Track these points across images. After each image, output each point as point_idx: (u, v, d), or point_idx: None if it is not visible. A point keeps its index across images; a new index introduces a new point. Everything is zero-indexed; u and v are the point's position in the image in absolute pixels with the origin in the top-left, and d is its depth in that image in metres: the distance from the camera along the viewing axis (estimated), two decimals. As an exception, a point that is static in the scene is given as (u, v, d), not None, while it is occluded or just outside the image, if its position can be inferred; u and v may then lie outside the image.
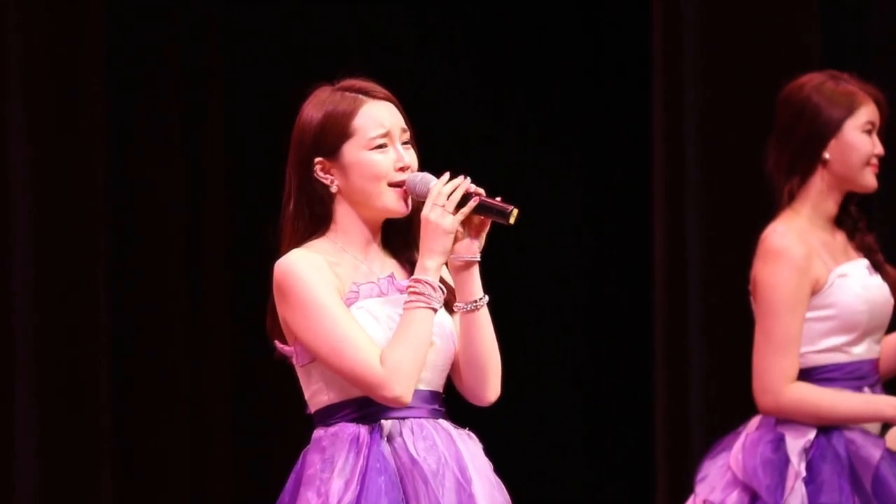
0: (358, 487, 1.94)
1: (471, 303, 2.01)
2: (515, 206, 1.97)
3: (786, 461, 2.44)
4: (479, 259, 2.01)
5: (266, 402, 4.52)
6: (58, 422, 4.03)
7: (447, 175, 1.99)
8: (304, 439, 2.05)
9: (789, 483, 2.42)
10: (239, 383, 4.52)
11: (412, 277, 1.98)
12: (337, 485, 1.94)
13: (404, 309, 1.97)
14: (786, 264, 2.47)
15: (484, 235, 2.02)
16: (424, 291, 1.96)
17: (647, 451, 4.23)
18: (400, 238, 2.10)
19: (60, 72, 4.06)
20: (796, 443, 2.45)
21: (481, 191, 1.98)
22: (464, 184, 1.98)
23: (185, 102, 4.44)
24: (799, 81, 2.57)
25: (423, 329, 1.96)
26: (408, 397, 1.96)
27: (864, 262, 2.57)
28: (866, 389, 2.49)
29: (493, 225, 2.00)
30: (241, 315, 4.26)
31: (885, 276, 2.57)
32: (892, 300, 2.55)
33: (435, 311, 1.97)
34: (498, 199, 1.99)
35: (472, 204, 1.97)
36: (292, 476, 2.02)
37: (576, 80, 5.11)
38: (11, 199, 3.97)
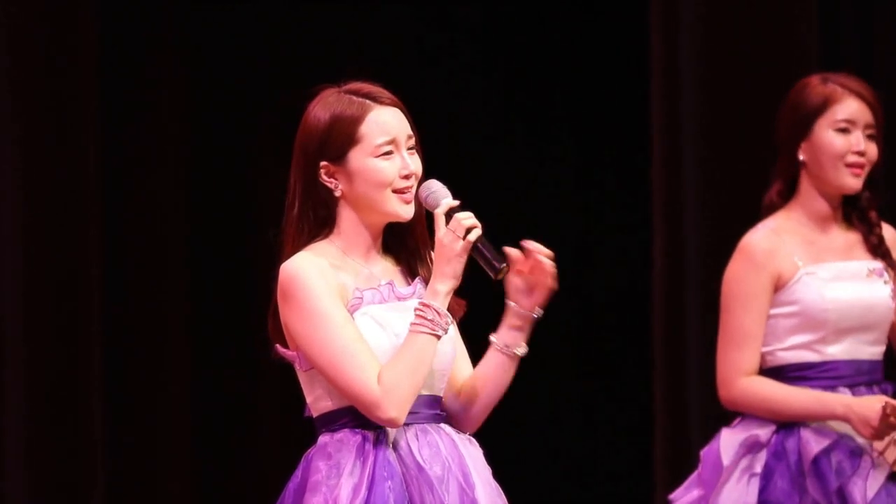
0: (366, 493, 1.94)
1: (508, 347, 2.03)
2: (507, 265, 1.98)
3: (720, 457, 2.47)
4: (535, 316, 2.03)
5: (263, 412, 4.51)
6: (48, 430, 4.01)
7: (458, 203, 2.00)
8: (297, 446, 2.05)
9: (723, 477, 2.44)
10: (235, 392, 4.52)
11: (421, 301, 1.97)
12: (345, 491, 1.94)
13: (409, 331, 1.96)
14: (743, 259, 2.48)
15: (544, 295, 2.03)
16: (431, 318, 1.95)
17: (647, 459, 4.22)
18: (399, 244, 2.10)
19: (50, 75, 4.04)
20: (732, 439, 2.46)
21: (479, 231, 1.98)
22: (471, 218, 1.98)
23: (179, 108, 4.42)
24: (796, 85, 2.55)
25: (425, 355, 1.96)
26: (401, 420, 1.96)
27: (870, 265, 2.54)
28: (842, 389, 2.48)
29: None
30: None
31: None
32: (888, 304, 2.52)
33: (439, 338, 1.96)
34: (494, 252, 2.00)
35: (476, 233, 1.97)
36: (294, 481, 2.02)
37: (574, 84, 5.10)
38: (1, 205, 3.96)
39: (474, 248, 1.98)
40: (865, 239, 2.55)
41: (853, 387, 2.49)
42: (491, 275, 2.00)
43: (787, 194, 2.53)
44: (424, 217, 2.06)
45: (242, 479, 4.51)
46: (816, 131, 2.45)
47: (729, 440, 2.48)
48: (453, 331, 2.04)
